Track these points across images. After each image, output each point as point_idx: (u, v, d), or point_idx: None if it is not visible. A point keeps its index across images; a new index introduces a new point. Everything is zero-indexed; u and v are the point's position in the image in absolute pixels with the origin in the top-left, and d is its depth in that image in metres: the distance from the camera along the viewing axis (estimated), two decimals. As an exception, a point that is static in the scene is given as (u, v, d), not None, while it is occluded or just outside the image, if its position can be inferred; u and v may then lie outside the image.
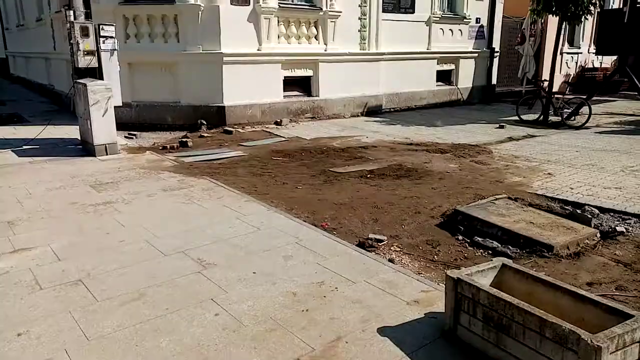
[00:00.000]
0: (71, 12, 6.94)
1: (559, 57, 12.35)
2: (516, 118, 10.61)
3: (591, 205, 4.82)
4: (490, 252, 3.97)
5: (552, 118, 10.32)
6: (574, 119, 10.31)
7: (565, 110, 10.30)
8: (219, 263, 3.54)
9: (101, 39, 6.98)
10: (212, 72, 9.03)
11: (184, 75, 9.08)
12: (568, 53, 16.68)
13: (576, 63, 17.16)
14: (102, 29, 7.00)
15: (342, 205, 4.99)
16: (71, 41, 6.94)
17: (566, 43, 16.35)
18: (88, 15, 7.08)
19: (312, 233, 4.15)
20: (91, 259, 3.59)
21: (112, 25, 7.19)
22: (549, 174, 6.24)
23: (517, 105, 10.93)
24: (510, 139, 8.75)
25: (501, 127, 9.85)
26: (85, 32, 6.85)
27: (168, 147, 7.64)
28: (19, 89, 16.23)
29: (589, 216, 4.49)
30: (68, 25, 6.97)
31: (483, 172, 6.34)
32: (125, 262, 3.54)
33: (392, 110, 11.91)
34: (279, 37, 9.77)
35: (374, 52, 11.22)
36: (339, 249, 3.82)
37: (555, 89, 11.14)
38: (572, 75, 16.97)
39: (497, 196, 5.06)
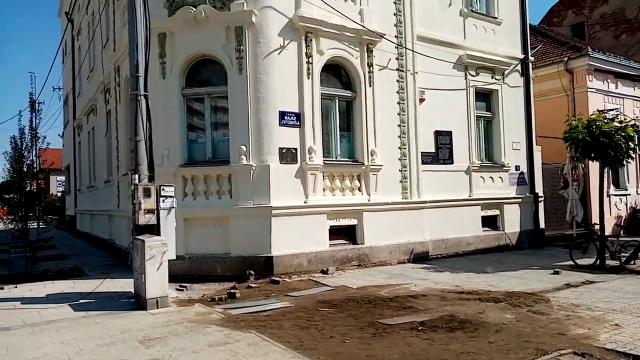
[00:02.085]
0: (136, 175, 7.70)
1: (606, 199, 12.26)
2: (571, 263, 10.22)
3: (670, 361, 4.36)
4: (561, 417, 3.57)
5: (610, 262, 9.89)
6: (634, 263, 9.82)
7: (623, 254, 9.88)
8: None
9: (161, 199, 7.59)
10: (262, 224, 9.45)
11: (234, 228, 9.52)
12: (615, 195, 16.49)
13: (626, 204, 16.83)
14: (163, 189, 7.65)
15: (393, 361, 4.74)
16: (134, 201, 7.57)
17: (611, 185, 16.28)
18: (151, 178, 7.81)
19: (362, 394, 3.91)
20: (134, 422, 3.47)
21: (172, 186, 7.87)
22: (616, 324, 5.80)
23: (570, 249, 10.61)
24: (568, 285, 8.33)
25: (556, 272, 9.45)
26: (147, 193, 7.49)
27: (217, 298, 7.71)
28: (82, 244, 17.32)
29: (670, 374, 4.04)
30: (132, 187, 7.68)
31: (543, 324, 5.96)
32: None
33: (439, 256, 11.77)
34: (324, 190, 10.30)
35: (416, 200, 11.54)
36: (392, 413, 3.54)
37: (607, 231, 10.83)
38: (623, 217, 16.53)
39: (561, 351, 4.71)
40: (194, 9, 9.61)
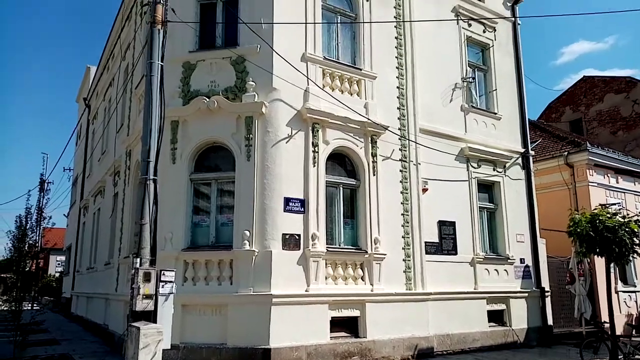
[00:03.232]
0: (138, 259, 7.61)
1: (614, 295, 11.93)
2: (583, 364, 9.75)
3: None
4: None
5: (624, 364, 9.42)
6: (650, 366, 9.37)
7: (637, 356, 9.44)
8: None
9: (161, 284, 7.44)
10: (261, 313, 9.18)
11: (233, 317, 9.24)
12: (624, 292, 16.04)
13: (636, 302, 16.33)
14: (163, 274, 7.51)
15: None
16: (133, 285, 7.41)
17: (619, 281, 15.91)
18: (152, 262, 7.71)
19: None
20: None
21: (173, 270, 7.74)
22: None
23: (580, 349, 10.15)
24: (581, 389, 7.88)
25: (568, 374, 9.00)
26: (147, 278, 7.34)
27: (210, 393, 7.31)
28: (75, 328, 16.75)
29: None
30: (133, 270, 7.56)
31: None
32: None
33: (444, 352, 11.26)
34: (326, 278, 10.12)
35: (420, 292, 11.26)
36: None
37: (618, 330, 10.43)
38: (634, 315, 15.97)
39: None
40: (207, 99, 10.09)
